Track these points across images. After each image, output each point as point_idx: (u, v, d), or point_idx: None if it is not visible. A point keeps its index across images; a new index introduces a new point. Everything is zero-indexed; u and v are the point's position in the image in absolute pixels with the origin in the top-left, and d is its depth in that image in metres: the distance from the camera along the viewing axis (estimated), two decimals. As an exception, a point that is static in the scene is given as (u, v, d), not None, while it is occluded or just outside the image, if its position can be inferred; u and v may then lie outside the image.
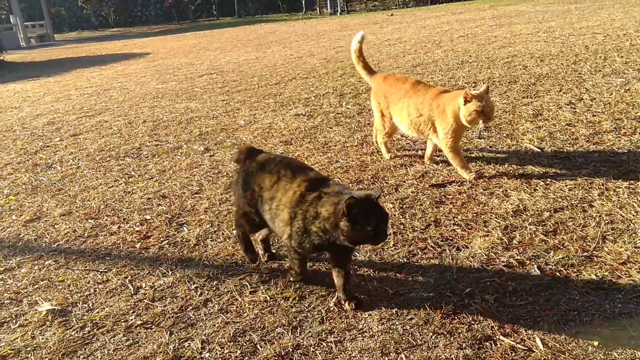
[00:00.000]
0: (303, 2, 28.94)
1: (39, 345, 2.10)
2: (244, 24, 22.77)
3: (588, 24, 9.14)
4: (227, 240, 2.81)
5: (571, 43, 7.29)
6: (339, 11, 25.66)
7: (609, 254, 2.29)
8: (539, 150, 3.53)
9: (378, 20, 16.76)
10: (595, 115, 4.00)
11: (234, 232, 2.67)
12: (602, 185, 2.91)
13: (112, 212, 3.35)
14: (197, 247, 2.78)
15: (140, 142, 4.85)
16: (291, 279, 2.36)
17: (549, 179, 3.08)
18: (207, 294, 2.35)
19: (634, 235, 2.40)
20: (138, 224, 3.13)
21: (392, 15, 18.96)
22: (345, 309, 2.14)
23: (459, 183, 3.18)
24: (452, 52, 7.84)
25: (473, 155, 3.58)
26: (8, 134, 5.76)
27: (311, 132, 4.53)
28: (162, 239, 2.91)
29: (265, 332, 2.06)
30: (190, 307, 2.27)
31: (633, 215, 2.56)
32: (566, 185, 2.96)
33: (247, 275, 2.46)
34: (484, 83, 5.45)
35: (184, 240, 2.87)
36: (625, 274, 2.15)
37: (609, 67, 5.50)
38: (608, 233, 2.45)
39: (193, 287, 2.42)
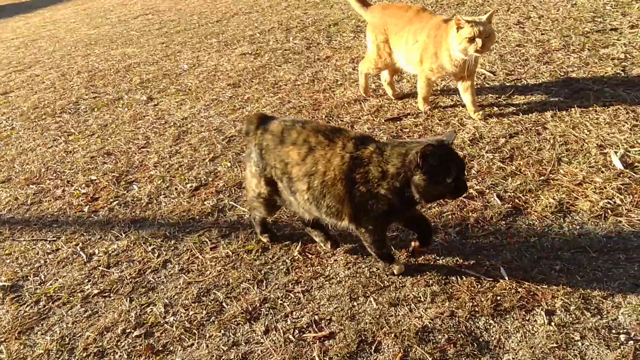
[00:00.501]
0: None
1: (-9, 327, 1.99)
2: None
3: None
4: (182, 195, 2.69)
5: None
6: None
7: (565, 176, 2.31)
8: (491, 74, 3.48)
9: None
10: (543, 34, 3.96)
11: (248, 214, 2.28)
12: (555, 105, 2.91)
13: (55, 174, 3.15)
14: (149, 205, 2.66)
15: (77, 95, 4.53)
16: (394, 271, 1.92)
17: (503, 104, 3.05)
18: (166, 255, 2.26)
19: (587, 155, 2.42)
20: (84, 185, 2.96)
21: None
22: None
23: (414, 115, 3.12)
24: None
25: (426, 85, 3.50)
26: None
27: (259, 72, 4.33)
28: (111, 200, 2.77)
29: (230, 289, 2.00)
30: (149, 270, 2.19)
31: (586, 134, 2.58)
32: (519, 109, 2.95)
33: (205, 231, 2.38)
34: (431, 7, 5.31)
35: (135, 199, 2.73)
36: (582, 195, 2.18)
37: (555, -18, 5.42)
38: (563, 155, 2.46)
39: (150, 248, 2.32)
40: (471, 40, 2.58)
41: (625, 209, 2.05)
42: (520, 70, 3.46)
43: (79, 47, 6.40)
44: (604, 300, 1.67)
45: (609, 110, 2.74)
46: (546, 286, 1.77)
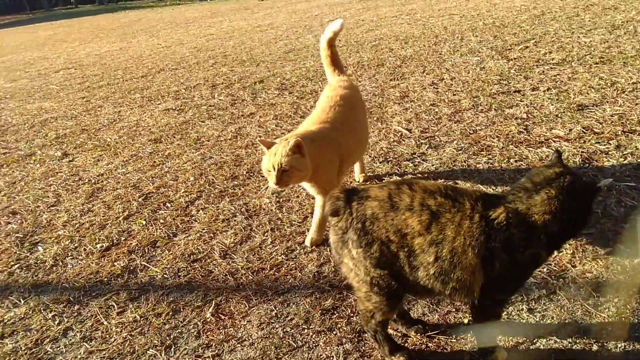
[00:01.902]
0: (171, -13, 27.63)
1: None
2: (106, 11, 21.25)
3: (446, 5, 9.69)
4: (90, 256, 2.56)
5: (431, 25, 7.67)
6: (210, -4, 24.88)
7: (473, 230, 2.40)
8: (407, 131, 3.64)
9: (249, 6, 16.47)
10: (455, 94, 4.21)
11: (366, 327, 1.77)
12: (464, 162, 3.06)
13: (-50, 236, 2.91)
14: (54, 268, 2.50)
15: (-15, 151, 4.29)
16: (498, 357, 1.69)
17: (417, 160, 3.18)
18: (67, 322, 2.11)
19: (494, 209, 2.54)
20: (-18, 247, 2.75)
21: (262, 0, 18.74)
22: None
23: (333, 171, 3.18)
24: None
25: (346, 141, 3.59)
26: None
27: (182, 128, 4.29)
28: (12, 262, 2.58)
29: (136, 357, 1.88)
30: (47, 340, 2.03)
31: (492, 190, 2.72)
32: (432, 165, 3.08)
33: (113, 294, 2.25)
34: (353, 67, 5.55)
35: (39, 261, 2.56)
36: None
37: (465, 47, 5.84)
38: (472, 209, 2.57)
39: (50, 315, 2.16)
40: (268, 171, 2.17)
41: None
42: (434, 128, 3.63)
43: (-7, 101, 6.12)
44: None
45: (512, 167, 2.91)
46: (454, 341, 1.79)
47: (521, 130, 3.36)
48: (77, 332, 2.05)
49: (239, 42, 8.25)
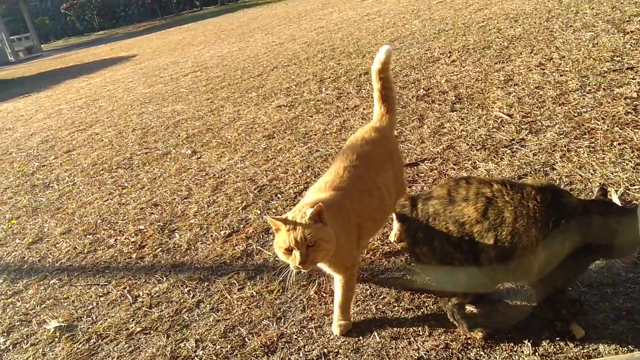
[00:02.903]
0: (284, -19, 28.57)
1: (50, 361, 2.31)
2: (226, 11, 22.62)
3: (564, -26, 9.10)
4: (216, 241, 2.99)
5: (545, -2, 7.31)
6: (321, -13, 25.35)
7: (566, 216, 2.44)
8: (507, 117, 3.65)
9: (359, -7, 16.64)
10: (562, 75, 4.10)
11: (445, 310, 1.95)
12: (565, 146, 3.04)
13: (109, 225, 3.54)
14: (188, 251, 2.97)
15: (131, 151, 5.01)
16: (575, 335, 1.76)
17: (515, 146, 3.21)
18: (199, 296, 2.54)
19: (590, 194, 2.55)
20: (133, 234, 3.32)
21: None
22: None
23: (430, 160, 3.32)
24: (429, 22, 7.88)
25: (445, 130, 3.71)
26: (5, 157, 5.95)
27: (292, 123, 4.67)
28: (155, 247, 3.10)
29: (253, 326, 2.24)
30: (185, 310, 2.46)
31: (591, 174, 2.70)
32: (531, 151, 3.10)
33: (235, 273, 2.65)
34: (458, 52, 5.54)
35: (176, 246, 3.05)
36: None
37: (579, 21, 5.55)
38: (566, 195, 2.59)
39: (186, 290, 2.61)
40: (288, 251, 1.82)
41: (619, 246, 2.16)
42: (536, 113, 3.61)
43: (135, 106, 7.01)
44: (587, 332, 1.79)
45: (615, 150, 2.85)
46: (535, 320, 1.90)
47: (629, 110, 3.24)
48: (207, 304, 2.47)
49: (346, 34, 8.51)
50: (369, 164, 2.18)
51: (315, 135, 4.25)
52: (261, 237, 2.92)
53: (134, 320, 2.49)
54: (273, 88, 6.07)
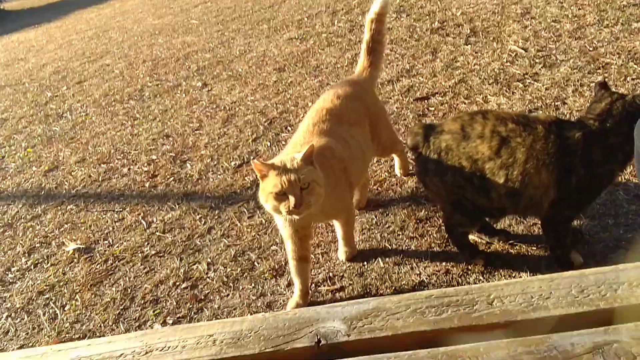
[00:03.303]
0: None
1: (70, 280, 2.45)
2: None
3: None
4: (226, 172, 3.05)
5: None
6: None
7: (573, 150, 2.45)
8: (522, 51, 3.58)
9: None
10: (580, 9, 3.96)
11: (449, 236, 2.04)
12: (578, 81, 2.99)
13: (122, 155, 3.61)
14: (199, 181, 3.03)
15: (142, 83, 5.01)
16: (574, 262, 1.81)
17: (528, 80, 3.17)
18: (210, 223, 2.63)
19: (599, 129, 2.54)
20: (145, 164, 3.39)
21: None
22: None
23: (442, 94, 3.30)
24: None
25: (458, 64, 3.65)
26: (18, 87, 5.98)
27: (304, 56, 4.61)
28: (168, 176, 3.17)
29: (262, 251, 2.34)
30: (196, 235, 2.56)
31: (603, 110, 2.68)
32: (543, 85, 3.06)
33: (244, 202, 2.72)
34: None
35: (188, 175, 3.12)
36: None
37: (606, -49, 5.29)
38: (576, 130, 2.59)
39: (198, 217, 2.70)
40: (279, 196, 1.68)
41: (624, 179, 2.18)
42: (551, 47, 3.52)
43: (145, 37, 6.93)
44: (586, 261, 1.85)
45: (628, 85, 2.80)
46: (535, 248, 1.96)
47: (647, 45, 3.15)
48: (218, 230, 2.56)
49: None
50: (340, 119, 2.05)
51: (327, 68, 4.21)
52: (271, 167, 2.97)
53: (148, 244, 2.60)
54: (284, 20, 5.94)
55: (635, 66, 2.95)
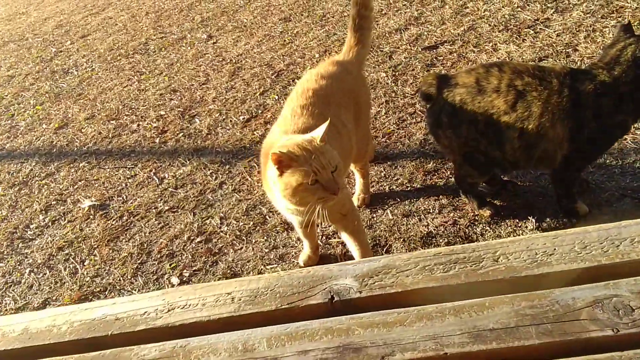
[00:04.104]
0: None
1: (87, 236, 2.52)
2: None
3: None
4: (235, 126, 3.06)
5: None
6: None
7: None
8: (534, -5, 3.48)
9: None
10: (598, -53, 3.81)
11: (458, 186, 2.06)
12: (590, 26, 2.93)
13: (130, 111, 3.62)
14: (209, 136, 3.06)
15: (146, 36, 4.95)
16: (579, 212, 1.86)
17: (539, 26, 3.10)
18: (222, 178, 2.67)
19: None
20: (155, 120, 3.41)
21: None
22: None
23: (450, 42, 3.25)
24: None
25: (467, 10, 3.56)
26: (22, 42, 5.92)
27: (309, 5, 4.51)
28: (177, 132, 3.19)
29: (272, 205, 2.38)
30: (208, 190, 2.61)
31: (615, 56, 2.64)
32: (555, 31, 3.00)
33: (255, 157, 2.75)
34: None
35: (197, 131, 3.14)
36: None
37: None
38: (586, 78, 2.56)
39: (209, 172, 2.74)
40: (311, 187, 1.45)
41: (634, 128, 2.17)
42: (564, -11, 3.42)
43: (146, -13, 6.78)
44: (591, 210, 1.88)
45: (643, 30, 2.74)
46: (541, 199, 1.99)
47: (665, -14, 3.05)
48: (229, 185, 2.60)
49: None
50: (328, 101, 1.84)
51: (333, 17, 4.12)
52: (279, 121, 2.98)
53: (161, 199, 2.65)
54: (288, -34, 5.78)
55: (650, 9, 2.87)
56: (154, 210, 2.59)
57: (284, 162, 1.44)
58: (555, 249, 0.77)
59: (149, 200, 2.67)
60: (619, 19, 2.90)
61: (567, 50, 2.79)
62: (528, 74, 1.68)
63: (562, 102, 1.63)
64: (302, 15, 4.34)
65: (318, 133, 1.50)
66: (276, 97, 3.22)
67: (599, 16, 2.98)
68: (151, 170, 2.91)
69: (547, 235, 0.80)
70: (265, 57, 3.79)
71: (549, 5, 3.28)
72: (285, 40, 3.96)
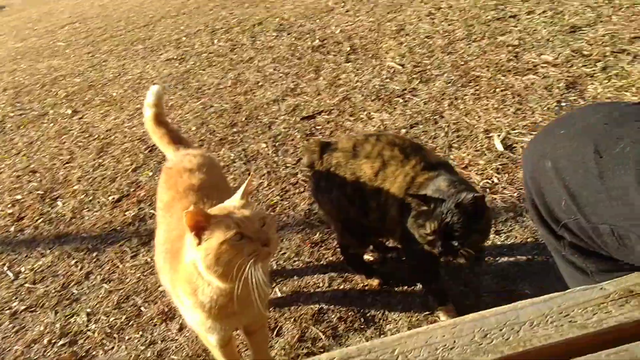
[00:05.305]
0: None
1: None
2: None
3: None
4: (104, 207, 2.80)
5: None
6: None
7: (454, 161, 2.55)
8: (400, 67, 3.71)
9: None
10: (450, 24, 4.21)
11: (344, 257, 2.01)
12: (452, 94, 3.15)
13: (-20, 197, 3.19)
14: (73, 220, 2.75)
15: (3, 113, 4.52)
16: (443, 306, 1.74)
17: (408, 95, 3.28)
18: (88, 267, 2.38)
19: (475, 139, 2.67)
20: (10, 205, 3.02)
21: None
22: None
23: (327, 112, 3.31)
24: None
25: (341, 81, 3.69)
26: None
27: (184, 77, 4.43)
28: (36, 217, 2.84)
29: (148, 294, 2.15)
30: (73, 283, 2.30)
31: (476, 120, 2.83)
32: (422, 100, 3.18)
33: (126, 240, 2.50)
34: (351, 1, 5.48)
35: (59, 215, 2.82)
36: (467, 178, 2.41)
37: (465, -29, 5.71)
38: (454, 141, 2.70)
39: (73, 262, 2.43)
40: (236, 243, 1.22)
41: (501, 187, 2.30)
42: (426, 62, 3.69)
43: (6, 62, 6.30)
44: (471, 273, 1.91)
45: (497, 96, 2.99)
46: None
47: (511, 58, 3.40)
48: (97, 275, 2.32)
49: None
50: (208, 194, 1.59)
51: (209, 89, 4.06)
52: (154, 199, 2.77)
53: (17, 298, 2.29)
54: (161, 40, 5.70)
55: (503, 78, 3.16)
56: (7, 312, 2.22)
57: (200, 222, 1.22)
58: (455, 341, 0.70)
59: (1, 300, 2.29)
60: (477, 87, 3.15)
61: (435, 117, 2.95)
62: (399, 148, 1.65)
63: (403, 184, 1.58)
64: (176, 88, 4.23)
65: (237, 193, 1.35)
66: (150, 174, 3.02)
67: (459, 85, 3.22)
68: (4, 264, 2.53)
69: (446, 325, 0.73)
70: (138, 131, 3.59)
71: (414, 76, 3.49)
72: (159, 114, 3.79)
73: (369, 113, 3.17)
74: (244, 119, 3.46)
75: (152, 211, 2.67)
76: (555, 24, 3.73)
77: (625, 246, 0.91)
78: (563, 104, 2.76)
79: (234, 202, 1.33)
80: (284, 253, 2.21)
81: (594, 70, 3.01)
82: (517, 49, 3.51)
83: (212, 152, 3.11)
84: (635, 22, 3.42)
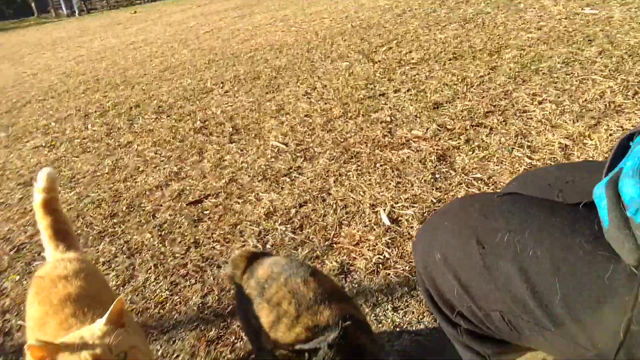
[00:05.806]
0: (33, 4, 25.81)
1: None
2: (-40, 36, 19.39)
3: (317, 8, 10.01)
4: (-40, 323, 2.42)
5: (304, 30, 7.91)
6: (77, 12, 23.57)
7: (345, 238, 2.59)
8: (283, 146, 3.78)
9: (122, 20, 15.87)
10: (327, 103, 4.43)
11: None
12: (336, 171, 3.25)
13: None
14: None
15: None
16: None
17: (294, 174, 3.33)
18: (-61, 401, 2.01)
19: (363, 215, 2.75)
20: None
21: (135, 12, 18.11)
22: None
23: (214, 195, 3.24)
24: (199, 51, 7.86)
25: (226, 163, 3.67)
26: None
27: (55, 166, 4.13)
28: None
29: None
30: None
31: (362, 196, 2.93)
32: (308, 178, 3.24)
33: (-11, 361, 2.17)
34: (230, 82, 5.59)
35: None
36: (359, 254, 2.46)
37: (335, 52, 6.12)
38: (343, 218, 2.76)
39: None
40: None
41: (393, 262, 2.36)
42: (308, 140, 3.81)
43: None
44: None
45: (378, 171, 3.15)
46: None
47: (386, 133, 3.63)
48: (-48, 410, 1.96)
49: (111, 63, 7.97)
50: (89, 304, 1.44)
51: (84, 178, 3.81)
52: (22, 308, 2.45)
53: None
54: (27, 126, 5.32)
55: (381, 153, 3.34)
56: None
57: (44, 358, 1.08)
58: None
59: None
60: (358, 163, 3.29)
61: (322, 195, 3.01)
62: (295, 303, 1.48)
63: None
64: (46, 178, 3.91)
65: (103, 317, 1.20)
66: (17, 278, 2.69)
67: (342, 162, 3.35)
68: None
69: None
70: (1, 229, 3.23)
71: (298, 154, 3.58)
72: (26, 208, 3.47)
73: (257, 194, 3.16)
74: (124, 208, 3.27)
75: (20, 322, 2.36)
76: (420, 101, 4.08)
77: (516, 330, 0.96)
78: (437, 175, 2.96)
79: (94, 330, 1.18)
80: (177, 356, 2.05)
81: (459, 142, 3.30)
82: (389, 125, 3.76)
83: (90, 247, 2.88)
84: (486, 98, 3.85)
